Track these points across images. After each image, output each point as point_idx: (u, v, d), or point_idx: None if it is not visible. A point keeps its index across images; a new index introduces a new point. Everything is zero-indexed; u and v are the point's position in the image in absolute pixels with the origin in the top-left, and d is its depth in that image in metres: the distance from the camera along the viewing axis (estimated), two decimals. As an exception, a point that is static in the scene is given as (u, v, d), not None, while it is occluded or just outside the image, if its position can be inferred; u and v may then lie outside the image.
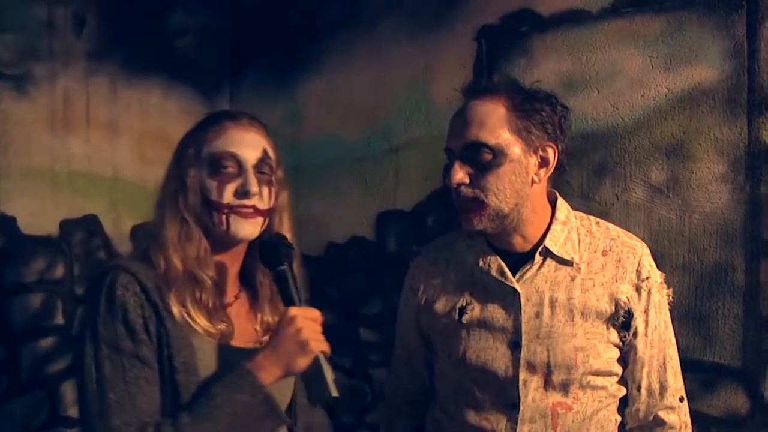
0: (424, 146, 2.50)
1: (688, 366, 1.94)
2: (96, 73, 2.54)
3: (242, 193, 1.25)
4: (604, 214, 2.06)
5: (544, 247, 1.38)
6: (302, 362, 1.15)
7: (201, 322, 1.20)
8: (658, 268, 1.97)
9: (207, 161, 1.25)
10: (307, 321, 1.17)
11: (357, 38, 2.66)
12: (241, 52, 3.00)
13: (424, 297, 1.50)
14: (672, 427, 1.42)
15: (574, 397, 1.34)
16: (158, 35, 2.76)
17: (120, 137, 2.62)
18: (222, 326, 1.24)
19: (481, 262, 1.41)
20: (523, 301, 1.36)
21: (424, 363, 1.58)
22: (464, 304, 1.42)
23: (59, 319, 2.46)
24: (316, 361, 1.15)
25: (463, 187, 1.31)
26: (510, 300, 1.38)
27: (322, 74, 2.77)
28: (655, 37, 2.00)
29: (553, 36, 2.18)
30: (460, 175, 1.31)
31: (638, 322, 1.37)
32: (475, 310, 1.40)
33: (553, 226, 1.40)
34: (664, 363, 1.42)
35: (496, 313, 1.39)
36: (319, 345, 1.16)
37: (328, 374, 1.15)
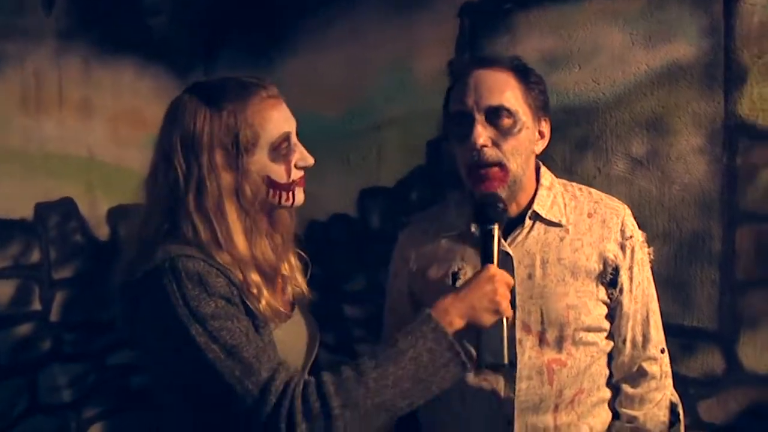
0: (406, 123, 2.52)
1: (668, 330, 2.03)
2: (68, 52, 2.46)
3: (303, 166, 1.27)
4: (586, 187, 2.14)
5: (533, 211, 1.43)
6: (489, 320, 1.18)
7: (273, 305, 1.22)
8: (639, 236, 2.06)
9: (268, 147, 1.22)
10: (503, 284, 1.20)
11: (337, 16, 2.65)
12: (217, 31, 2.94)
13: (416, 265, 1.54)
14: (654, 377, 1.50)
15: (567, 354, 1.40)
16: (131, 13, 2.68)
17: (94, 118, 2.55)
18: (285, 307, 1.28)
19: (472, 229, 1.46)
20: (515, 263, 1.41)
21: None
22: (457, 269, 1.46)
23: (36, 305, 2.41)
24: (499, 324, 1.19)
25: (486, 149, 1.33)
26: (503, 263, 1.42)
27: (300, 53, 2.75)
28: (636, 15, 2.06)
29: (536, 13, 2.22)
30: (485, 137, 1.33)
31: (624, 278, 1.44)
32: (467, 274, 1.43)
33: (539, 192, 1.46)
34: (647, 317, 1.50)
35: None
36: (509, 310, 1.20)
37: (506, 340, 1.19)
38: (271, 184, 1.23)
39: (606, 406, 1.50)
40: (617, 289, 1.44)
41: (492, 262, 1.25)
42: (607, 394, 1.50)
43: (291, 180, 1.25)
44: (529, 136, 1.40)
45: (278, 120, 1.23)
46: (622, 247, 1.44)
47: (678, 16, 2.00)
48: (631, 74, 2.08)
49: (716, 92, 1.97)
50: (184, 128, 1.19)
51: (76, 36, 2.49)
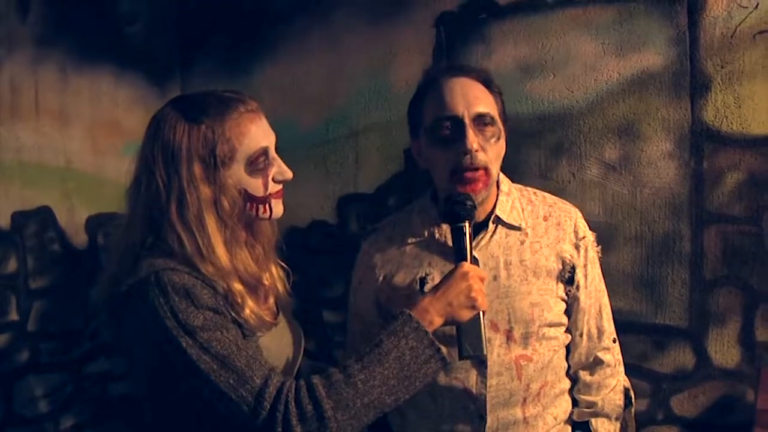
0: (384, 130, 2.57)
1: (641, 329, 2.14)
2: (44, 60, 2.44)
3: (281, 180, 1.27)
4: (561, 192, 2.21)
5: (496, 215, 1.49)
6: (467, 316, 1.23)
7: (257, 313, 1.23)
8: (612, 240, 2.15)
9: (245, 161, 1.23)
10: (477, 280, 1.25)
11: (314, 24, 2.69)
12: (193, 39, 2.95)
13: (382, 273, 1.55)
14: (609, 365, 1.58)
15: (533, 349, 1.46)
16: (108, 21, 2.67)
17: (71, 126, 2.53)
18: (269, 315, 1.29)
19: (437, 234, 1.50)
20: (481, 266, 1.45)
21: None
22: (424, 275, 1.49)
23: (13, 316, 2.38)
24: (477, 318, 1.24)
25: (478, 153, 1.38)
26: None
27: (277, 61, 2.77)
28: (607, 25, 2.15)
29: (511, 23, 2.29)
30: (477, 141, 1.38)
31: (579, 276, 1.51)
32: (435, 279, 1.46)
33: (499, 198, 1.51)
34: (600, 310, 1.57)
35: None
36: (485, 304, 1.25)
37: (484, 332, 1.25)
38: (248, 197, 1.24)
39: (567, 395, 1.57)
40: (574, 286, 1.51)
41: (465, 260, 1.30)
42: (567, 384, 1.57)
43: (267, 193, 1.26)
44: (503, 145, 1.47)
45: (256, 134, 1.25)
46: (577, 247, 1.51)
47: (646, 27, 2.10)
48: (603, 82, 2.17)
49: (683, 99, 2.06)
50: (164, 141, 1.21)
51: (53, 43, 2.47)
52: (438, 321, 1.22)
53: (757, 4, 1.95)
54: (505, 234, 1.48)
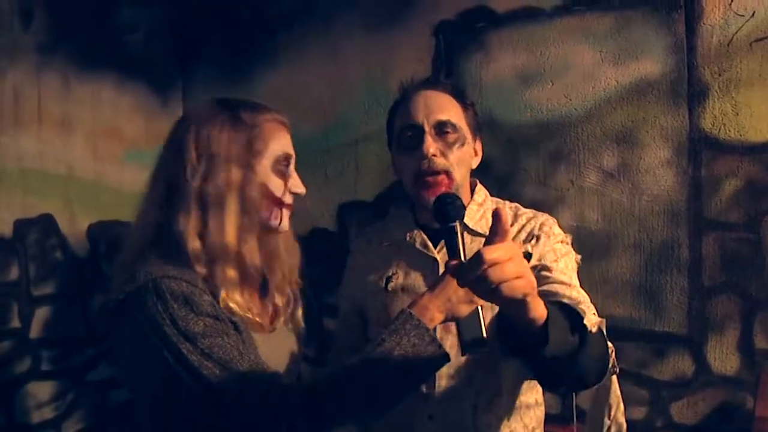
0: (383, 138, 2.53)
1: (640, 336, 2.14)
2: (46, 68, 2.46)
3: (295, 192, 1.30)
4: (560, 200, 2.23)
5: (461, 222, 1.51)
6: (465, 310, 1.23)
7: (252, 313, 1.24)
8: (611, 248, 2.15)
9: (272, 158, 1.26)
10: None
11: (313, 32, 2.71)
12: (194, 47, 2.97)
13: (360, 273, 1.61)
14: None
15: (483, 354, 1.46)
16: (109, 29, 2.70)
17: (73, 134, 2.55)
18: (266, 318, 1.29)
19: (407, 237, 1.55)
20: (441, 268, 1.49)
21: (366, 339, 1.66)
22: (391, 274, 1.54)
23: (15, 323, 2.39)
24: (476, 312, 1.25)
25: (435, 158, 1.43)
26: (430, 268, 1.51)
27: (277, 68, 2.79)
28: (605, 34, 2.17)
29: (509, 32, 2.31)
30: (435, 147, 1.43)
31: (548, 260, 1.48)
32: (399, 278, 1.52)
33: (470, 206, 1.55)
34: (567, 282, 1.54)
35: (417, 280, 1.52)
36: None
37: (484, 325, 1.25)
38: (268, 193, 1.27)
39: (531, 412, 1.56)
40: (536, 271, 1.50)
41: (459, 258, 1.31)
42: (530, 399, 1.56)
43: (284, 199, 1.29)
44: (469, 151, 1.52)
45: (285, 140, 1.30)
46: (532, 237, 1.51)
47: (644, 35, 2.11)
48: (601, 90, 2.18)
49: (681, 107, 2.08)
50: (201, 125, 1.24)
51: (55, 52, 2.49)
52: (439, 317, 1.23)
53: (754, 12, 1.96)
54: (470, 240, 1.51)
